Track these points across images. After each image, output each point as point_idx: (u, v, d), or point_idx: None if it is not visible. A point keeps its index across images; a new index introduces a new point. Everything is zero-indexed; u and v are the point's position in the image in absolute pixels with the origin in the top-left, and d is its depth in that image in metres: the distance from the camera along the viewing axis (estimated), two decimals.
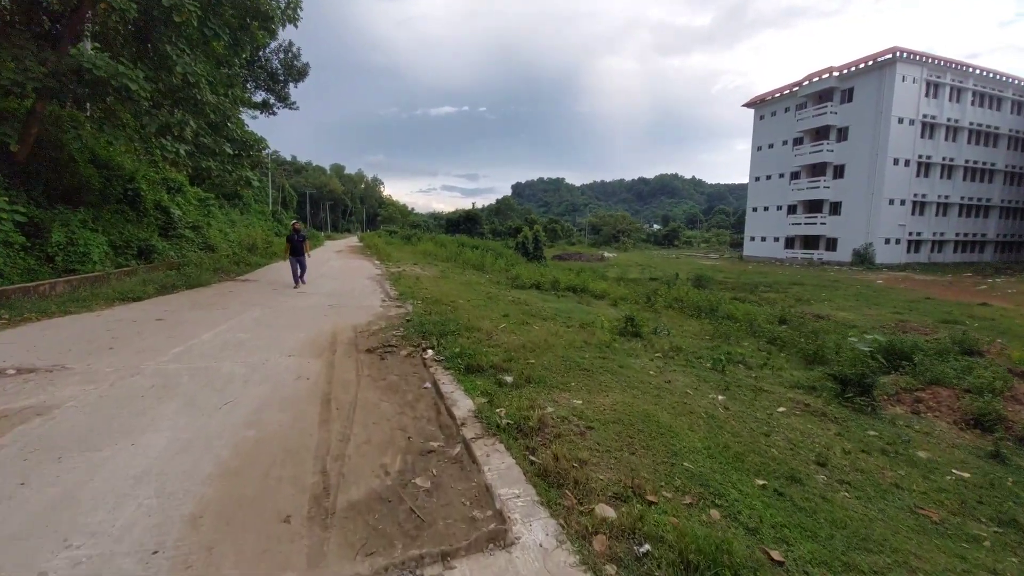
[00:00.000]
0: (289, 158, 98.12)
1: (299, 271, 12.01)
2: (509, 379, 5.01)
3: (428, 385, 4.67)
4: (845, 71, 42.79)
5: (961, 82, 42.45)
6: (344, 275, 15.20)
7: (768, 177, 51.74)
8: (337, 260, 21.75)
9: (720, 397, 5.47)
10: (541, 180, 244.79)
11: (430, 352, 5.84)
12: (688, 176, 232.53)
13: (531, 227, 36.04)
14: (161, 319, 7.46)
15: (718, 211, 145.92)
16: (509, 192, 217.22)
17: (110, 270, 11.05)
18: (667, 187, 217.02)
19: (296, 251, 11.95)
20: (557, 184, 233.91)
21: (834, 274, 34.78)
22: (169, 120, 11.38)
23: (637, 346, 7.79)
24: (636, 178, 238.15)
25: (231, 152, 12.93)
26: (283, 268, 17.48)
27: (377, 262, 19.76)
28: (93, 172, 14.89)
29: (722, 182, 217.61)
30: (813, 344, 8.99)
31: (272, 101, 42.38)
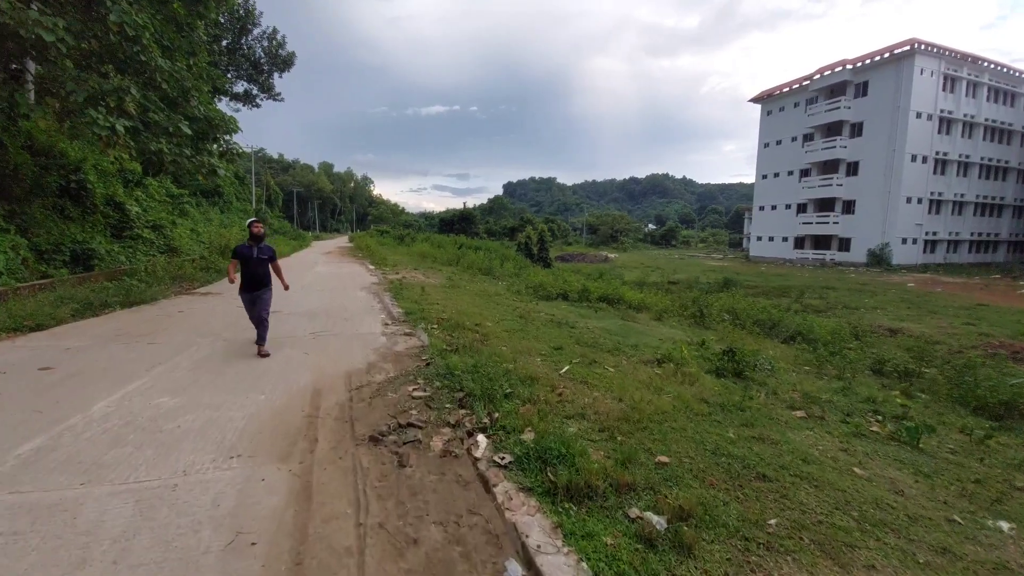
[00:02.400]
0: (276, 156, 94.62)
1: (260, 321, 5.80)
2: (658, 521, 2.55)
3: (516, 572, 2.16)
4: (859, 64, 40.94)
5: (977, 76, 40.86)
6: (333, 285, 12.58)
7: (776, 175, 49.83)
8: (325, 264, 19.04)
9: (1004, 525, 3.07)
10: (533, 179, 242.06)
11: (483, 441, 3.35)
12: (679, 176, 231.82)
13: (535, 227, 33.55)
14: (48, 367, 4.85)
15: (711, 211, 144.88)
16: (500, 192, 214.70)
17: (18, 283, 8.36)
18: (658, 187, 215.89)
19: (255, 280, 5.75)
20: (549, 184, 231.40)
21: (855, 276, 32.83)
22: (102, 86, 8.73)
23: (758, 398, 5.37)
24: (627, 177, 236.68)
25: (190, 133, 10.27)
26: None
27: (371, 267, 17.13)
28: (26, 159, 12.19)
29: (712, 182, 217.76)
30: (972, 383, 6.65)
31: (255, 92, 39.47)
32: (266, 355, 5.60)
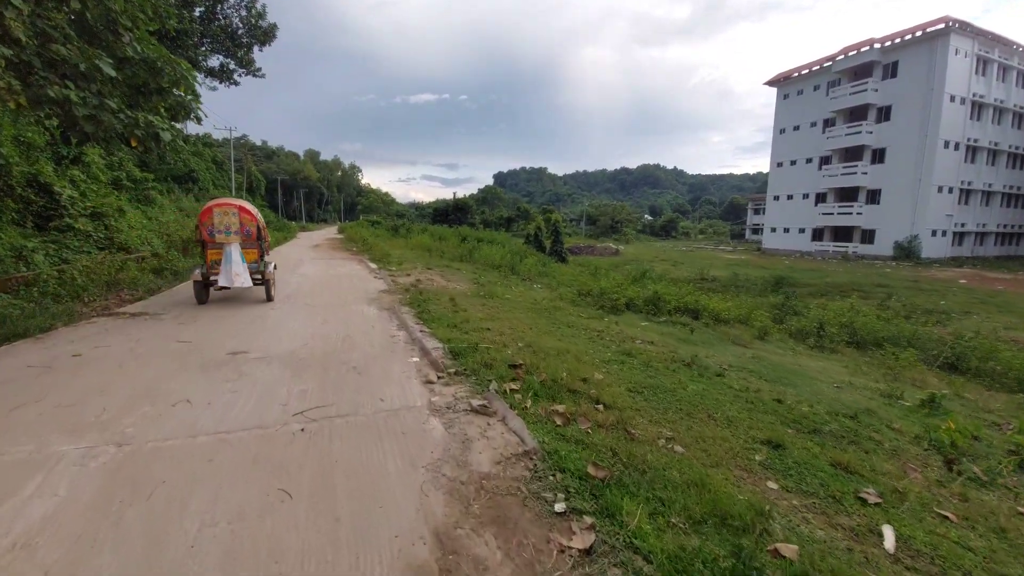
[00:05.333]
0: (259, 142, 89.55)
1: None
2: None
3: None
4: (888, 43, 38.24)
5: (1007, 59, 38.49)
6: (328, 296, 9.34)
7: (793, 163, 47.20)
8: (314, 262, 15.69)
9: None
10: (524, 169, 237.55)
11: None
12: (670, 167, 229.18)
13: (547, 217, 30.37)
14: None
15: (704, 201, 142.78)
16: (491, 182, 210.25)
17: None
18: (650, 177, 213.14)
19: None
20: (540, 174, 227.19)
21: (892, 271, 30.35)
22: None
23: None
24: (619, 168, 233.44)
25: (113, 74, 6.97)
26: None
27: (373, 265, 13.90)
28: None
29: (702, 172, 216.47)
30: None
31: (232, 66, 35.33)
32: None
